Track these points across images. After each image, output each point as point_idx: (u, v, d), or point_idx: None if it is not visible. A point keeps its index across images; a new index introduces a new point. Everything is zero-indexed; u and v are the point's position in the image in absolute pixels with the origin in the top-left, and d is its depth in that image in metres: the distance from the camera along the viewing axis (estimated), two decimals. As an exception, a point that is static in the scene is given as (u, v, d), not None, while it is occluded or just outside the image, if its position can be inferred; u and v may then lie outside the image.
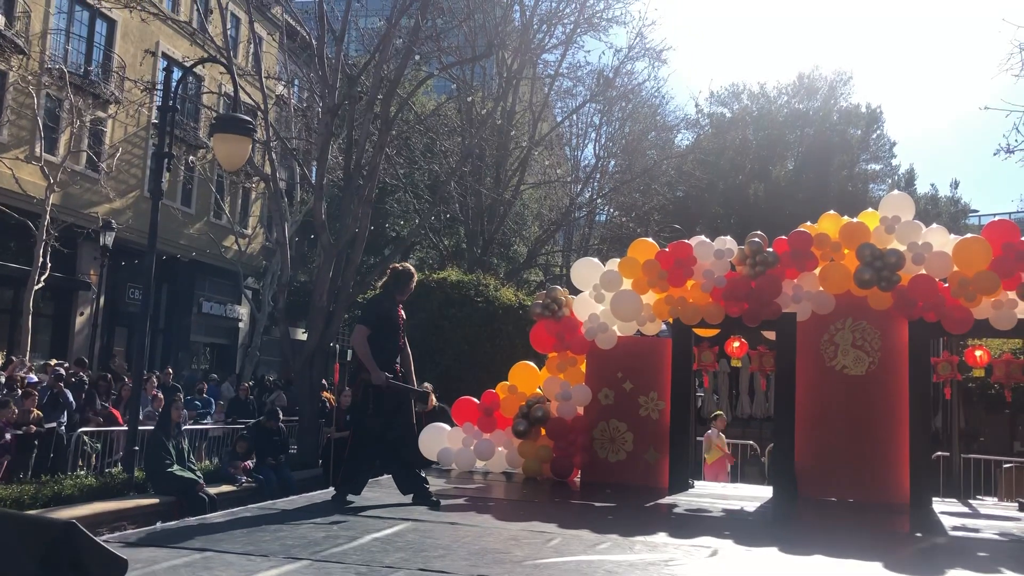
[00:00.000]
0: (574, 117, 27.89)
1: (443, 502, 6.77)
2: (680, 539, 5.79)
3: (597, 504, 7.85)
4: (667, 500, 8.36)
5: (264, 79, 17.55)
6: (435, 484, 8.30)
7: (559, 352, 10.03)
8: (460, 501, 7.26)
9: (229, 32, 19.37)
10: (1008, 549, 6.41)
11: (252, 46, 18.48)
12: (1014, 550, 6.39)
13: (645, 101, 27.62)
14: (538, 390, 10.04)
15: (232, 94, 16.83)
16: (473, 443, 9.85)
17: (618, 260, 10.05)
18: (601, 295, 9.88)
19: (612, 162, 29.43)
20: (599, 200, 29.35)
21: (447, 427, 10.28)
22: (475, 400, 10.12)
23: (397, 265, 7.37)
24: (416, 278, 7.38)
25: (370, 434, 6.91)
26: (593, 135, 29.00)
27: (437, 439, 10.09)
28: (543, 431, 9.67)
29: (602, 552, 5.12)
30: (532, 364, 10.36)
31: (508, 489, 8.86)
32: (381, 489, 7.57)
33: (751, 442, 14.64)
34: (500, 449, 9.88)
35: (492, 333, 15.11)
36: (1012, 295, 8.61)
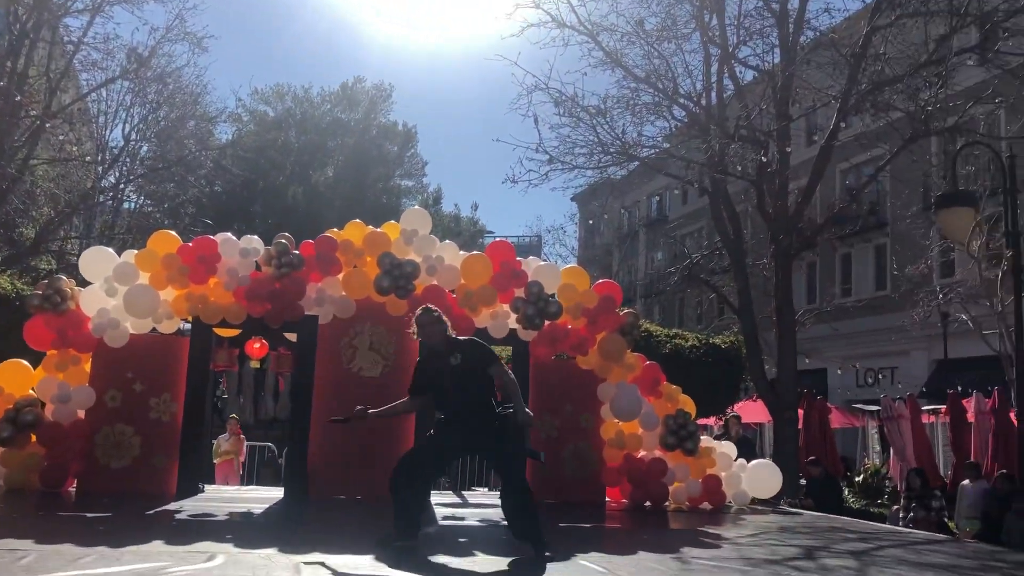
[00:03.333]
0: (102, 93, 25.49)
1: None
2: (176, 546, 5.54)
3: (90, 515, 7.20)
4: (172, 506, 7.98)
5: None
6: None
7: (59, 349, 9.05)
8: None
9: None
10: (484, 533, 7.21)
11: None
12: (489, 533, 7.20)
13: (184, 88, 26.24)
14: (31, 392, 8.96)
15: None
16: (-61, 453, 8.47)
17: (135, 252, 9.40)
18: (113, 288, 9.14)
19: (144, 147, 27.50)
20: (126, 186, 27.21)
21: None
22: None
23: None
24: (422, 317, 5.90)
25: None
26: (124, 115, 26.81)
27: None
28: (33, 437, 8.65)
29: (84, 566, 4.69)
30: (26, 363, 9.21)
31: (-18, 504, 7.76)
32: None
33: (269, 444, 14.62)
34: (-23, 459, 8.60)
35: (-20, 327, 13.10)
36: (507, 307, 9.73)
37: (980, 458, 13.36)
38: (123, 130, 26.65)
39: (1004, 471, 11.37)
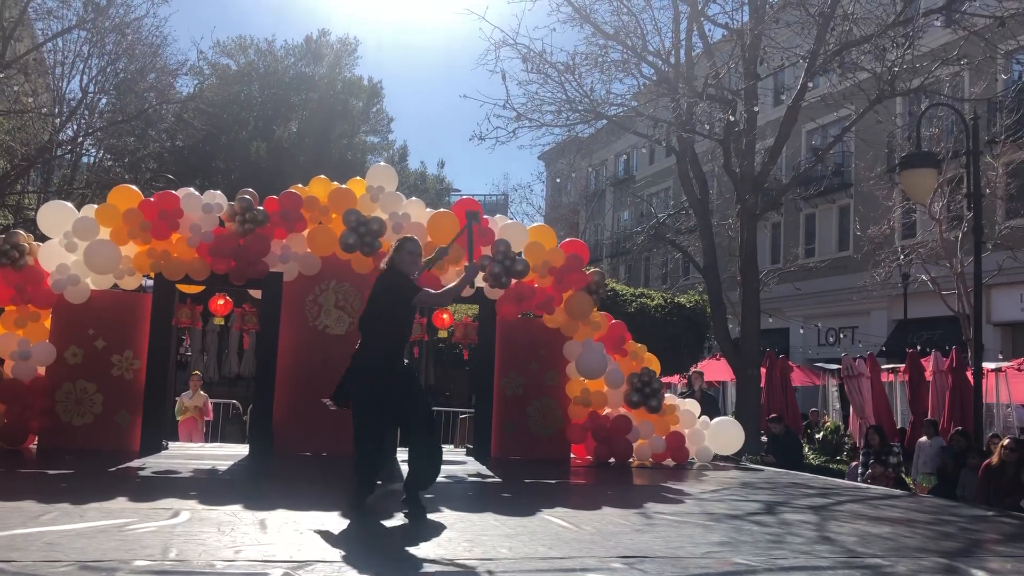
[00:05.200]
0: (58, 43, 24.78)
1: None
2: (140, 503, 5.51)
3: (52, 472, 7.13)
4: (135, 463, 7.92)
5: None
6: None
7: (18, 306, 8.91)
8: None
9: None
10: (451, 490, 7.24)
11: None
12: (456, 490, 7.24)
13: (143, 39, 25.55)
14: (-11, 347, 8.81)
15: None
16: None
17: (95, 206, 9.22)
18: (73, 244, 8.98)
19: (103, 99, 26.81)
20: (85, 139, 26.57)
21: None
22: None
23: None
24: (414, 244, 5.79)
25: None
26: (81, 66, 26.08)
27: None
28: (-8, 394, 8.53)
29: (45, 523, 4.64)
30: (-17, 319, 9.05)
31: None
32: None
33: (234, 401, 14.55)
34: (-66, 416, 8.47)
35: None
36: (472, 265, 9.67)
37: (937, 415, 13.64)
38: (81, 82, 25.95)
39: (960, 428, 11.62)
